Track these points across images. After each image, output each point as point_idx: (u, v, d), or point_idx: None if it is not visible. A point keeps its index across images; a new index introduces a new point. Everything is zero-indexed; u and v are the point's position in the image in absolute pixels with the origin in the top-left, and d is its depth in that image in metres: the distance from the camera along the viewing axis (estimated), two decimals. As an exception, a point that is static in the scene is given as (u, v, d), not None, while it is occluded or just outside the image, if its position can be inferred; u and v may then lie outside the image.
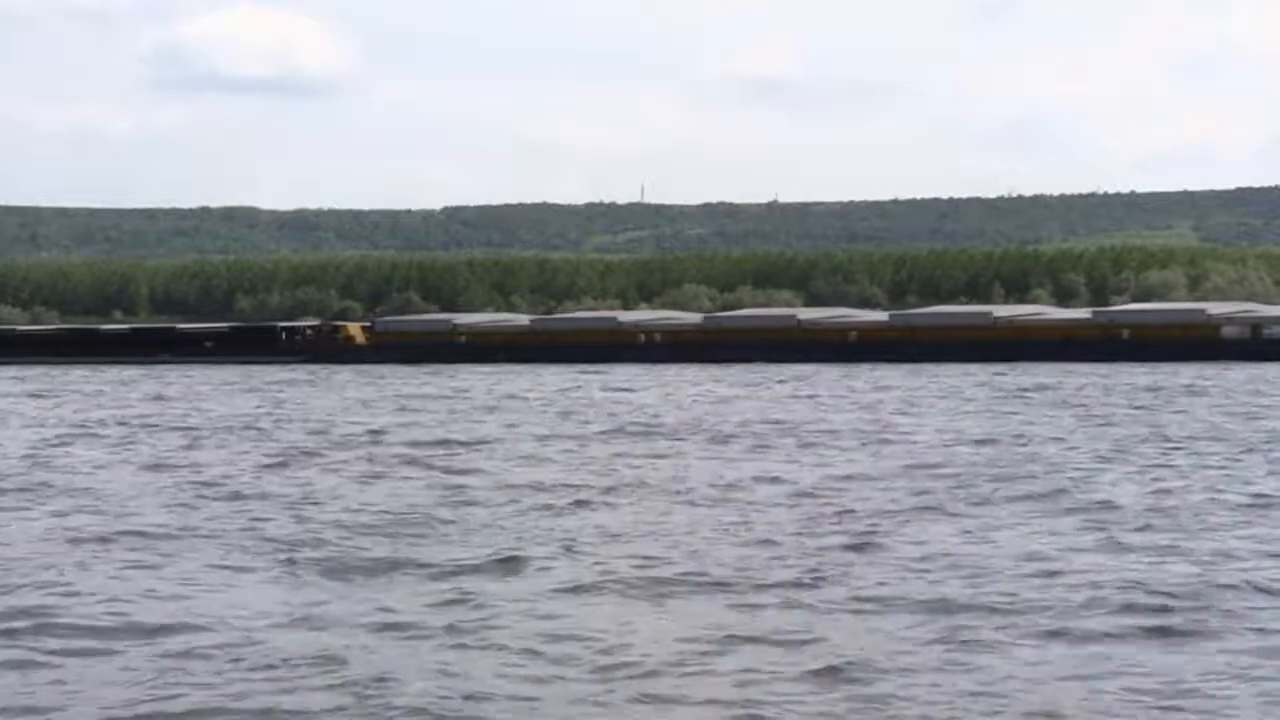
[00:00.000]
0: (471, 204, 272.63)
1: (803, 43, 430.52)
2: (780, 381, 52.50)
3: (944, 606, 12.09)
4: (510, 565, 14.25)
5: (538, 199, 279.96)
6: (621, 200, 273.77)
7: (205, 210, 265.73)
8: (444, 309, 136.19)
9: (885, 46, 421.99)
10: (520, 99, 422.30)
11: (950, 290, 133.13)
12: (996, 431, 29.36)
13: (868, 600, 12.41)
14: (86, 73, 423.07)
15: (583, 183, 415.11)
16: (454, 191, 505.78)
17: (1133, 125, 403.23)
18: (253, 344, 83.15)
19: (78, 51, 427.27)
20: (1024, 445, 26.36)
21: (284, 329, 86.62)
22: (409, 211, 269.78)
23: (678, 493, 19.88)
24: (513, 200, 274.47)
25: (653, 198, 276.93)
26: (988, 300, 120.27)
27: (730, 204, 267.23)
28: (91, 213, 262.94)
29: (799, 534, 16.07)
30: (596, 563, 14.34)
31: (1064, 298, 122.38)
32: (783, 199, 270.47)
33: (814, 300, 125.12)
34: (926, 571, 13.68)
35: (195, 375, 67.10)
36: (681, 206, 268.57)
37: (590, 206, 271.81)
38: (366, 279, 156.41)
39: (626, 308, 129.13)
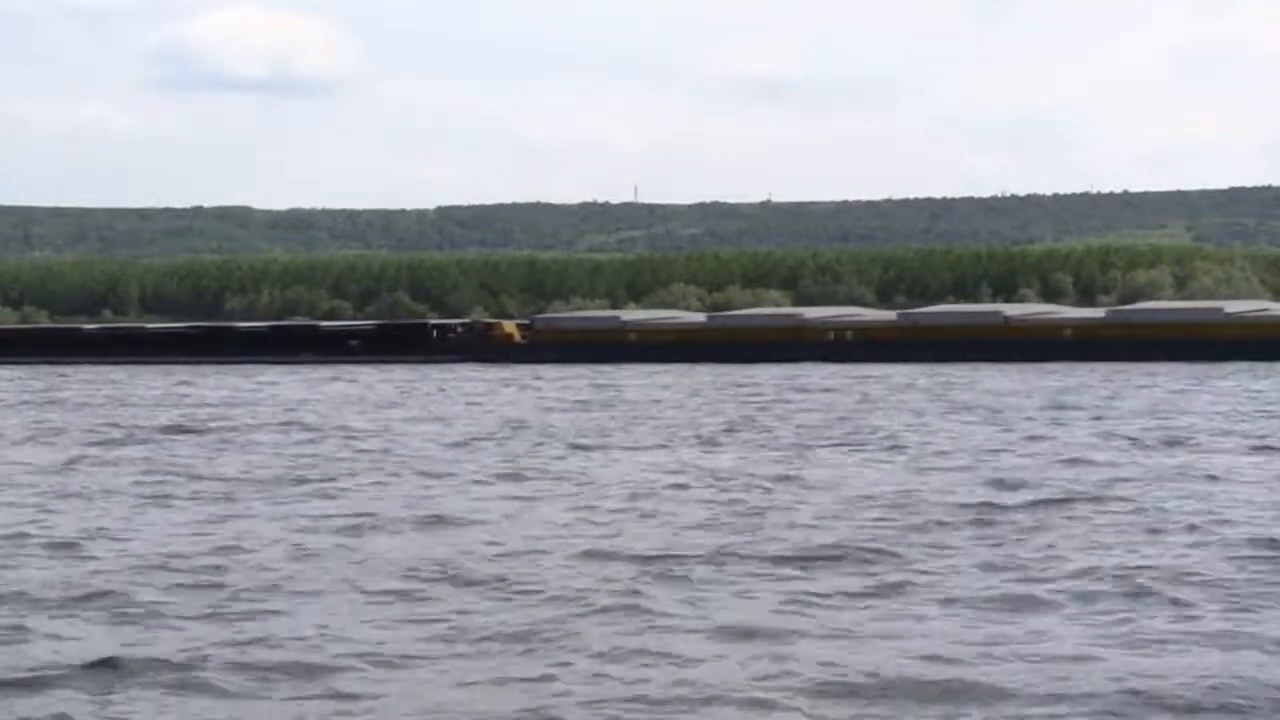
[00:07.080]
0: (466, 204, 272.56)
1: (799, 42, 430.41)
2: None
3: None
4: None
5: (532, 199, 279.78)
6: (615, 200, 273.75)
7: (199, 210, 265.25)
8: (433, 308, 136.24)
9: (882, 45, 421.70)
10: (515, 98, 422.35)
11: (938, 290, 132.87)
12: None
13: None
14: (85, 72, 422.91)
15: (577, 182, 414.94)
16: (448, 191, 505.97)
17: (1127, 125, 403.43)
18: (401, 342, 79.11)
19: (76, 51, 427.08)
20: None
21: (434, 326, 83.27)
22: (403, 211, 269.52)
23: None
24: (507, 200, 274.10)
25: (646, 197, 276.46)
26: (976, 299, 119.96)
27: (724, 203, 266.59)
28: (85, 212, 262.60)
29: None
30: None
31: (1051, 297, 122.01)
32: (777, 198, 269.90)
33: (803, 300, 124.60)
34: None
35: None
36: (675, 206, 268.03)
37: (584, 206, 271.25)
38: (356, 279, 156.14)
39: (615, 307, 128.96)
